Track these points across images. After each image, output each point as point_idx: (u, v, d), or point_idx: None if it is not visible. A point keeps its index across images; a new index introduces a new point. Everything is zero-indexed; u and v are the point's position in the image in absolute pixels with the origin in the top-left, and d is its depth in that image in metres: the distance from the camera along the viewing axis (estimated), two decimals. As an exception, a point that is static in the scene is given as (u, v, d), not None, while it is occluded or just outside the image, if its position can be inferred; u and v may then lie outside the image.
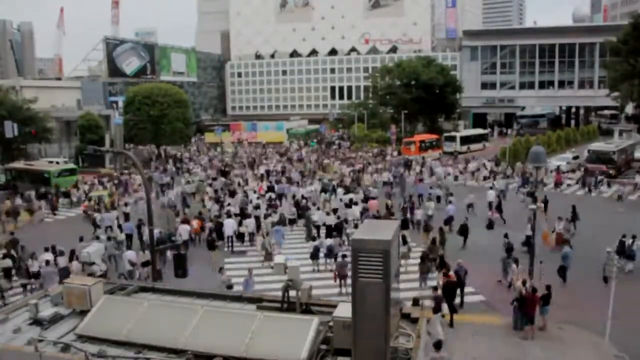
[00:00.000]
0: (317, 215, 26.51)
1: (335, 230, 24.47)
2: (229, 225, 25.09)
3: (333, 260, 20.81)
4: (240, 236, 25.60)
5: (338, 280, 19.52)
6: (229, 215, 27.11)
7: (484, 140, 64.25)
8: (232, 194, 34.15)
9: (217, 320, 7.25)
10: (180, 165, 52.73)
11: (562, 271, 19.53)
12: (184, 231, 24.63)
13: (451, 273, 17.51)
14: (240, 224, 25.84)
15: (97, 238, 25.01)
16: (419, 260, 20.01)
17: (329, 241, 22.17)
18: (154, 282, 13.95)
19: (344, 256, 19.51)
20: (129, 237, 25.32)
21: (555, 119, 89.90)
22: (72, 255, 21.20)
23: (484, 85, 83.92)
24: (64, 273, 18.82)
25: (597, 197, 35.40)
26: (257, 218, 26.53)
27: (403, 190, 35.30)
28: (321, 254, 21.79)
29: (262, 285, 19.29)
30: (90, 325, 7.39)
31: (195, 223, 26.00)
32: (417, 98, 65.98)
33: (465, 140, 61.17)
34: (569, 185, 39.18)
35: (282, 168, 45.42)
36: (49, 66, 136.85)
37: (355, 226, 25.11)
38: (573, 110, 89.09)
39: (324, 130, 77.25)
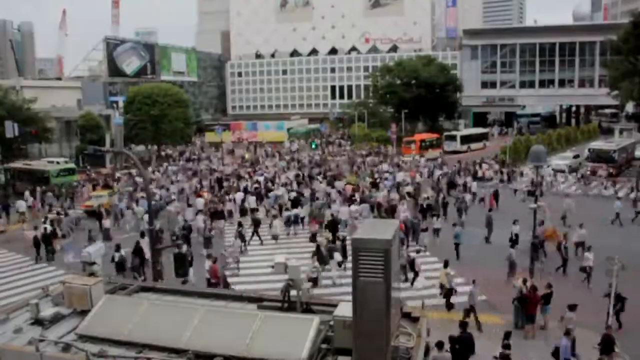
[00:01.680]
0: (280, 191, 33.38)
1: (296, 203, 30.06)
2: (239, 197, 32.29)
3: (301, 225, 27.89)
4: (243, 212, 30.47)
5: (317, 226, 26.09)
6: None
7: (484, 139, 64.24)
8: (218, 214, 29.23)
9: (218, 319, 7.24)
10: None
11: (456, 247, 22.72)
12: (198, 203, 30.63)
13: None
14: (243, 200, 31.46)
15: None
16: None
17: (296, 211, 28.33)
18: (155, 281, 13.96)
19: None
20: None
21: (551, 117, 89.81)
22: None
23: (484, 84, 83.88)
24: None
25: (598, 197, 35.35)
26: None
27: (461, 212, 28.87)
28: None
29: (263, 284, 19.32)
30: (91, 325, 7.39)
31: (206, 195, 33.05)
32: (418, 97, 65.99)
33: (466, 139, 61.17)
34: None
35: (297, 179, 39.52)
36: (49, 66, 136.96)
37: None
38: (573, 109, 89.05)
39: (324, 129, 77.29)
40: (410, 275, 20.21)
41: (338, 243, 22.36)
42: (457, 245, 23.12)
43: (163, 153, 64.29)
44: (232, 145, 70.24)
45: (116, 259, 20.68)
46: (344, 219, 26.99)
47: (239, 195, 32.70)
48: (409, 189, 34.61)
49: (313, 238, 24.42)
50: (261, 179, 39.35)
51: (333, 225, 25.59)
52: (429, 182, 39.27)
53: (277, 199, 32.16)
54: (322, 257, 20.91)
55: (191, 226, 25.54)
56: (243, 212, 30.56)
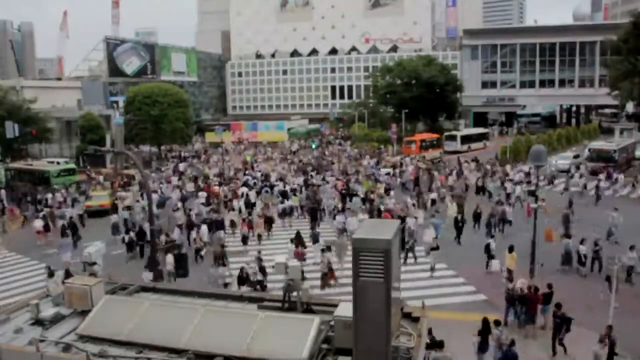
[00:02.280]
0: (281, 186, 36.61)
1: (285, 196, 33.26)
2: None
3: (296, 215, 30.96)
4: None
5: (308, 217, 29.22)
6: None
7: (484, 139, 64.28)
8: (217, 224, 26.67)
9: (218, 320, 7.24)
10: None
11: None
12: (202, 197, 33.91)
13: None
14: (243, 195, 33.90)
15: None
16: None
17: (289, 203, 31.16)
18: (155, 281, 13.95)
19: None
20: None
21: (550, 117, 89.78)
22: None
23: (485, 84, 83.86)
24: None
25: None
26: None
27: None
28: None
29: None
30: (91, 325, 7.39)
31: (216, 188, 36.41)
32: (418, 97, 65.97)
33: (466, 139, 61.20)
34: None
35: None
36: (49, 66, 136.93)
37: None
38: (574, 108, 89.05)
39: (325, 129, 77.23)
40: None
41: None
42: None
43: (177, 153, 64.90)
44: (235, 146, 70.18)
45: (126, 240, 24.70)
46: (351, 229, 25.91)
47: (242, 190, 35.12)
48: (433, 196, 32.15)
49: (244, 240, 25.55)
50: (258, 174, 42.85)
51: (313, 213, 28.88)
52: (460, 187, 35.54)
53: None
54: (301, 241, 23.20)
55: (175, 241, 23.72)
56: (245, 205, 32.47)
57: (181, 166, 52.28)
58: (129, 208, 30.88)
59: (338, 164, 48.01)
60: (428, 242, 22.78)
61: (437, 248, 21.86)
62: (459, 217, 26.10)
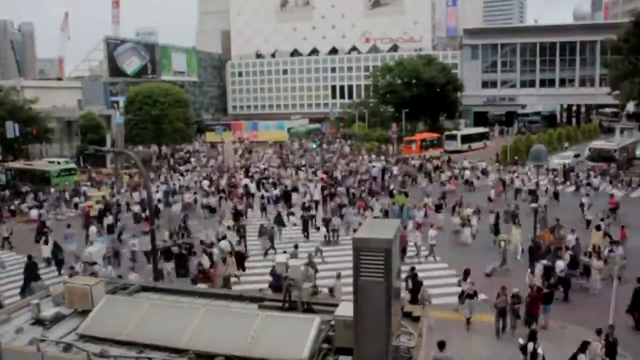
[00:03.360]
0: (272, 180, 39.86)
1: (274, 185, 37.46)
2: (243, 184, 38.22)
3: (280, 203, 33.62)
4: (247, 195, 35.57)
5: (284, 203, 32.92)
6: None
7: (484, 138, 64.30)
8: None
9: (218, 319, 7.24)
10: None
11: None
12: (204, 185, 37.75)
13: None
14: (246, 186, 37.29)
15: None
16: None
17: (275, 192, 34.53)
18: (156, 281, 13.95)
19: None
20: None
21: (551, 116, 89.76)
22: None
23: (485, 84, 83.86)
24: None
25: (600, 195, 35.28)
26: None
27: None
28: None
29: (263, 285, 19.31)
30: (92, 325, 7.39)
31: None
32: (418, 97, 65.98)
33: (467, 138, 61.23)
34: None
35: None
36: (49, 67, 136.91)
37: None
38: (574, 108, 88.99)
39: (325, 129, 77.21)
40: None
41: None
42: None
43: (183, 153, 65.48)
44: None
45: (137, 212, 28.81)
46: None
47: (244, 182, 37.95)
48: (468, 211, 26.22)
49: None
50: (254, 169, 46.34)
51: (287, 196, 32.86)
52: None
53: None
54: (281, 221, 26.85)
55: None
56: (247, 195, 34.91)
57: (193, 160, 57.05)
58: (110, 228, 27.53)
59: (338, 164, 47.99)
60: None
61: (474, 295, 16.27)
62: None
